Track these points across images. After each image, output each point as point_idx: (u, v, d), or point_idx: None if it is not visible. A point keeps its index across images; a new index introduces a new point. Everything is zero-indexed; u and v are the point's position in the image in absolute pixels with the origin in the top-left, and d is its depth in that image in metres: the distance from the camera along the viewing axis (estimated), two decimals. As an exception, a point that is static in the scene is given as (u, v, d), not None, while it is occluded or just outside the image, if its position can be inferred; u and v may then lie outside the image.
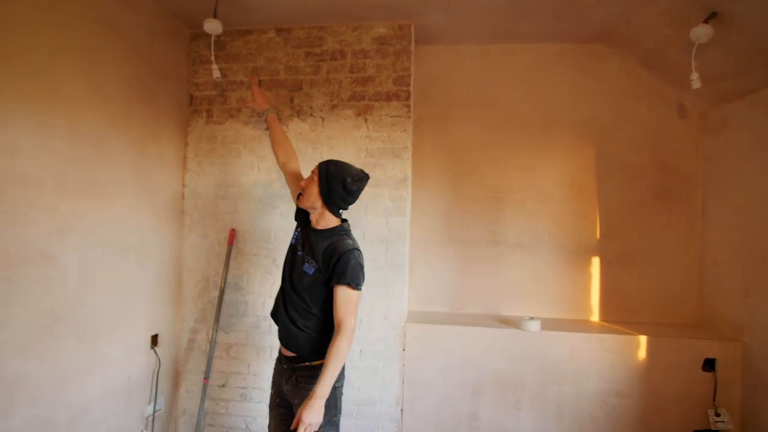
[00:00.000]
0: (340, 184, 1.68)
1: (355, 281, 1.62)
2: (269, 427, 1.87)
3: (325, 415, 1.57)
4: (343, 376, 1.76)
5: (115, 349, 2.14)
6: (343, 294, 1.61)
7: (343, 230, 1.76)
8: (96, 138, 1.99)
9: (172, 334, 2.59)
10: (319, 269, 1.68)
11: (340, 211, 1.77)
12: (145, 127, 2.30)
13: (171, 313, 2.57)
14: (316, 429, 1.51)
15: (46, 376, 1.76)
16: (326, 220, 1.75)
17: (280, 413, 1.80)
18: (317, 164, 1.76)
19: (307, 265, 1.71)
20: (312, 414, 1.47)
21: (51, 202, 1.77)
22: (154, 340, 2.41)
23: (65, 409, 1.85)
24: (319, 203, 1.72)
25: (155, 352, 2.41)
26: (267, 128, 2.12)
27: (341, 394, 1.76)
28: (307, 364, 1.70)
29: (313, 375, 1.61)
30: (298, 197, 1.82)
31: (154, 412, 2.40)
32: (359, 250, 1.70)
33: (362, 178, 1.74)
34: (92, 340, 2.00)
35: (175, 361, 2.63)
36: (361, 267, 1.66)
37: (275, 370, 1.86)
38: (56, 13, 1.78)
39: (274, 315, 1.85)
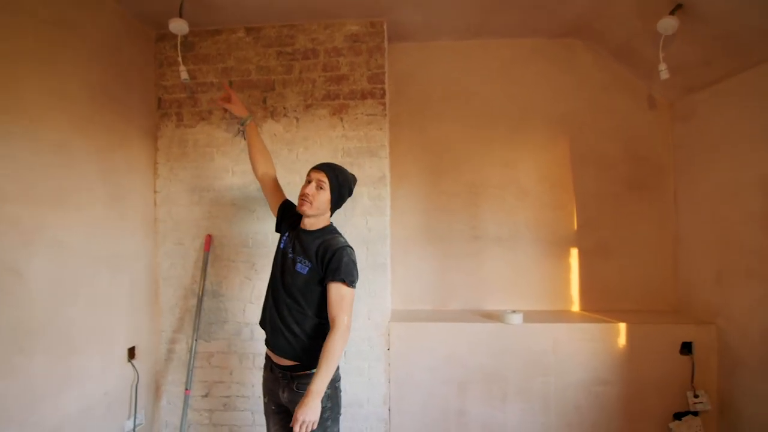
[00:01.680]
0: (347, 190, 1.79)
1: (348, 278, 1.62)
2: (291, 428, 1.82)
3: (331, 412, 1.64)
4: (340, 374, 1.76)
5: (90, 364, 2.06)
6: (336, 291, 1.61)
7: (333, 229, 1.79)
8: (60, 144, 1.91)
9: (150, 345, 2.51)
10: (313, 268, 1.67)
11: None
12: (111, 132, 2.22)
13: (148, 323, 2.49)
14: (314, 428, 1.49)
15: (16, 396, 1.68)
16: (320, 221, 1.76)
17: (279, 419, 1.79)
18: (317, 170, 1.73)
19: (300, 265, 1.69)
20: (309, 412, 1.46)
21: (13, 213, 1.69)
22: (131, 352, 2.33)
23: (39, 429, 1.77)
24: (326, 206, 1.75)
25: (132, 365, 2.33)
26: (238, 134, 2.06)
27: (341, 391, 1.76)
28: (307, 372, 1.67)
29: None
30: (286, 203, 1.87)
31: (135, 426, 2.33)
32: (351, 247, 1.70)
33: (355, 181, 1.88)
34: (65, 355, 1.92)
35: (155, 373, 2.55)
36: (354, 264, 1.67)
37: (266, 378, 1.82)
38: (12, 16, 1.69)
39: (263, 323, 1.81)
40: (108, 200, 2.19)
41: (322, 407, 1.56)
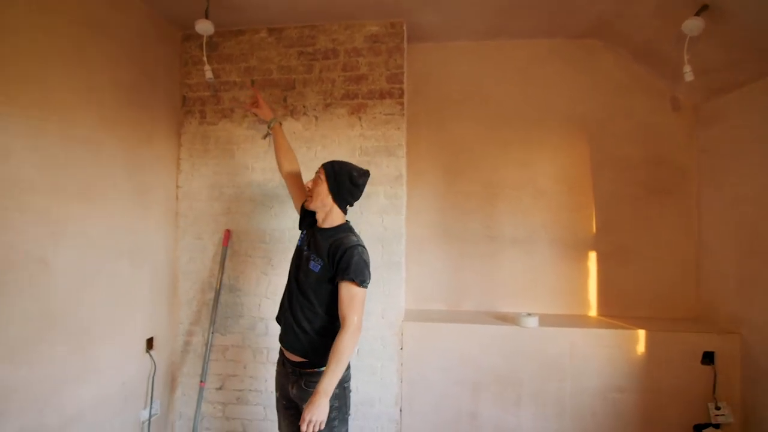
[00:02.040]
0: (347, 178, 1.73)
1: (359, 278, 1.61)
2: (279, 428, 1.87)
3: (338, 412, 1.63)
4: (350, 374, 1.77)
5: (109, 353, 2.12)
6: (347, 290, 1.61)
7: (348, 228, 1.78)
8: (88, 141, 1.98)
9: (168, 337, 2.56)
10: (325, 266, 1.68)
11: (348, 207, 1.81)
12: (137, 129, 2.29)
13: (166, 316, 2.55)
14: (322, 427, 1.50)
15: (38, 383, 1.73)
16: (333, 218, 1.77)
17: (289, 414, 1.80)
18: (320, 166, 1.79)
19: (312, 263, 1.71)
20: (316, 411, 1.47)
21: (43, 206, 1.76)
22: (149, 343, 2.39)
23: (58, 415, 1.82)
24: (329, 200, 1.75)
25: (150, 355, 2.38)
26: (266, 136, 2.11)
27: (350, 391, 1.76)
28: (315, 369, 1.68)
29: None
30: (306, 200, 1.85)
31: (150, 416, 2.38)
32: (364, 246, 1.70)
33: (365, 173, 1.80)
34: (85, 345, 1.97)
35: (171, 365, 2.60)
36: (366, 264, 1.66)
37: (278, 372, 1.85)
38: (47, 17, 1.77)
39: (279, 319, 1.84)
40: (132, 194, 2.26)
41: (330, 407, 1.56)
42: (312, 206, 1.78)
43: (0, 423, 1.58)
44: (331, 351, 1.55)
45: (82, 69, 1.94)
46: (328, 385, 1.51)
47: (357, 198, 1.81)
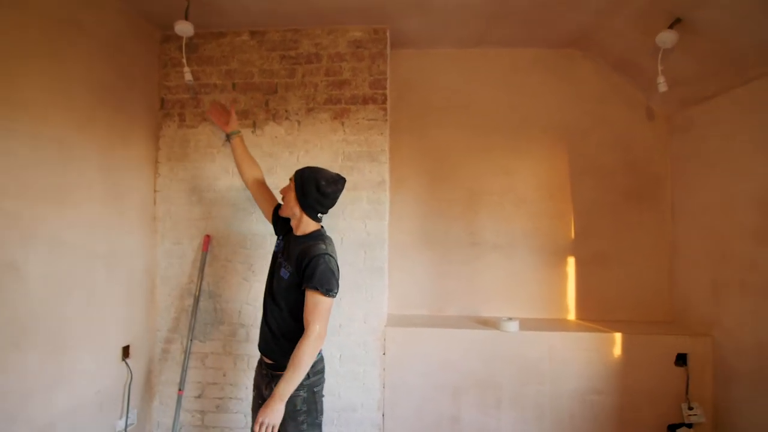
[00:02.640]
0: (314, 187, 1.70)
1: (325, 287, 1.61)
2: (252, 429, 1.81)
3: (307, 416, 1.67)
4: (323, 379, 1.79)
5: (84, 361, 2.05)
6: (311, 298, 1.61)
7: (319, 235, 1.76)
8: (60, 141, 1.91)
9: (145, 344, 2.50)
10: (293, 273, 1.69)
11: (320, 215, 1.78)
12: (112, 131, 2.22)
13: (143, 323, 2.48)
14: (275, 431, 1.53)
15: (8, 392, 1.67)
16: (305, 226, 1.77)
17: None
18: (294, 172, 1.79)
19: (283, 269, 1.75)
20: (270, 414, 1.51)
21: (13, 209, 1.69)
22: (126, 351, 2.32)
23: (29, 425, 1.76)
24: (297, 209, 1.75)
25: (126, 363, 2.32)
26: (225, 144, 2.11)
27: (321, 396, 1.77)
28: (282, 372, 1.66)
29: None
30: (279, 207, 1.85)
31: (126, 426, 2.31)
32: (331, 255, 1.69)
33: (337, 180, 1.76)
34: (58, 352, 1.91)
35: (148, 373, 2.54)
36: (332, 272, 1.65)
37: (256, 372, 1.87)
38: (19, 13, 1.71)
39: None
40: (107, 198, 2.20)
41: (297, 410, 1.62)
42: (284, 213, 1.80)
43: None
44: (291, 357, 1.58)
45: (54, 67, 1.88)
46: (284, 390, 1.54)
47: (327, 207, 1.77)
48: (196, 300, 2.45)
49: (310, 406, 1.70)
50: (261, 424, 1.50)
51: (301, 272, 1.65)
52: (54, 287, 1.89)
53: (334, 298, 1.66)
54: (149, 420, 2.55)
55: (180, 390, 2.41)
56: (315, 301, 1.61)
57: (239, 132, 2.11)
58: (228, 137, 2.11)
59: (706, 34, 2.06)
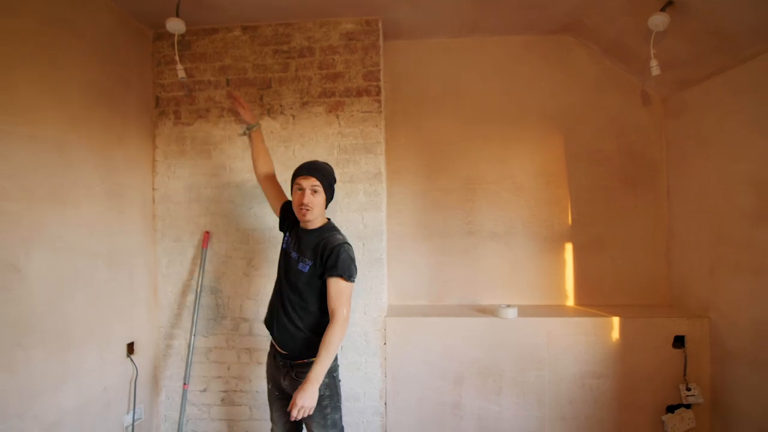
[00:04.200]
0: (334, 181, 1.87)
1: (347, 273, 1.70)
2: (272, 418, 1.95)
3: (330, 400, 1.77)
4: (338, 364, 1.88)
5: (89, 359, 2.09)
6: (335, 285, 1.70)
7: (332, 226, 1.87)
8: (58, 143, 1.93)
9: (149, 341, 2.54)
10: (314, 265, 1.76)
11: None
12: (109, 131, 2.24)
13: (146, 319, 2.52)
14: (311, 413, 1.61)
15: (15, 391, 1.70)
16: (318, 220, 1.85)
17: (282, 405, 1.88)
18: (306, 176, 1.78)
19: (301, 264, 1.79)
20: (306, 398, 1.57)
21: (14, 211, 1.71)
22: (130, 348, 2.36)
23: (38, 423, 1.79)
24: (323, 206, 1.85)
25: (132, 360, 2.36)
26: (244, 134, 2.12)
27: (339, 380, 1.87)
28: (306, 360, 1.75)
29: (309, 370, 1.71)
30: (288, 203, 1.95)
31: (134, 421, 2.36)
32: (349, 244, 1.79)
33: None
34: (64, 350, 1.94)
35: (154, 369, 2.58)
36: (352, 260, 1.75)
37: (269, 365, 1.93)
38: (12, 15, 1.72)
39: (269, 322, 1.90)
40: (106, 197, 2.22)
41: (321, 395, 1.67)
42: (312, 217, 1.80)
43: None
44: (322, 341, 1.65)
45: (50, 70, 1.89)
46: (318, 373, 1.61)
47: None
48: (198, 296, 2.48)
49: (332, 390, 1.80)
50: (300, 408, 1.56)
51: (323, 263, 1.73)
52: (57, 287, 1.91)
53: (353, 284, 1.74)
54: (156, 414, 2.59)
55: (185, 384, 2.45)
56: (339, 288, 1.70)
57: (259, 124, 2.13)
58: (248, 129, 2.11)
59: (698, 15, 2.05)
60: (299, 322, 1.77)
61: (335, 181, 1.89)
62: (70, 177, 2.00)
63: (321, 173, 1.80)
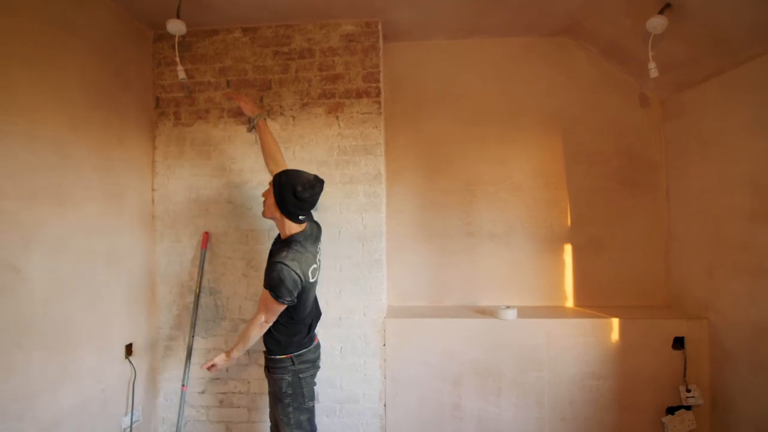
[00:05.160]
0: (290, 193, 1.76)
1: (274, 291, 1.74)
2: (270, 416, 2.10)
3: (292, 399, 1.90)
4: (314, 367, 2.01)
5: (88, 360, 2.08)
6: (264, 294, 1.81)
7: (291, 242, 1.83)
8: (58, 143, 1.93)
9: (147, 342, 2.53)
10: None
11: (300, 217, 1.84)
12: (108, 131, 2.24)
13: (145, 320, 2.51)
14: (212, 371, 1.97)
15: (14, 391, 1.70)
16: (287, 229, 1.86)
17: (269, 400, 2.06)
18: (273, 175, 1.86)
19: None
20: (220, 360, 1.94)
21: (12, 211, 1.71)
22: (129, 349, 2.35)
23: (36, 424, 1.79)
24: (277, 213, 1.83)
25: (130, 361, 2.35)
26: (251, 130, 2.13)
27: (309, 383, 1.97)
28: (272, 357, 1.93)
29: (275, 366, 1.91)
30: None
31: (132, 423, 2.35)
32: (286, 264, 1.74)
33: (314, 185, 1.81)
34: (62, 351, 1.93)
35: (152, 370, 2.57)
36: (282, 280, 1.72)
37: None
38: (12, 16, 1.72)
39: None
40: (105, 198, 2.22)
41: (283, 392, 1.90)
42: (266, 216, 1.90)
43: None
44: (242, 330, 1.92)
45: (50, 70, 1.90)
46: (233, 352, 1.92)
47: (307, 209, 1.83)
48: (197, 297, 2.48)
49: (296, 390, 1.91)
50: (211, 362, 1.93)
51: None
52: (56, 287, 1.91)
53: (285, 304, 1.78)
54: (155, 416, 2.58)
55: (184, 386, 2.44)
56: (265, 296, 1.80)
57: (262, 116, 2.11)
58: (253, 121, 2.12)
59: (696, 17, 2.06)
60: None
61: (291, 195, 1.76)
62: (70, 177, 1.99)
63: (278, 177, 1.81)
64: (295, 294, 1.77)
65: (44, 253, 1.85)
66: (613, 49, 2.64)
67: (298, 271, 1.75)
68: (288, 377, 1.89)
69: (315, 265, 1.88)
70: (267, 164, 2.08)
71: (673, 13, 2.06)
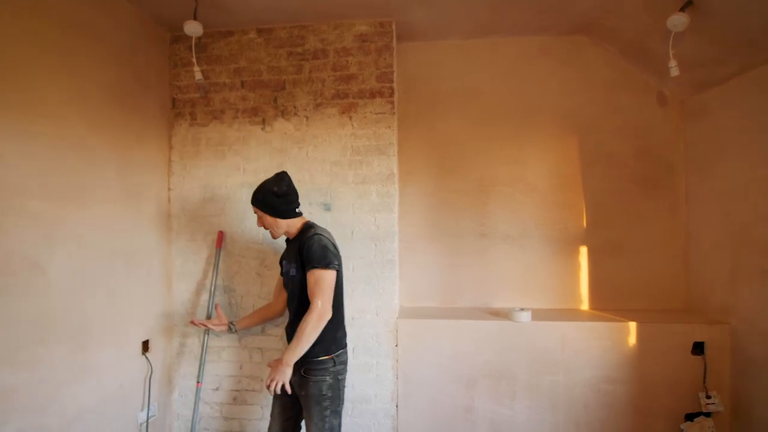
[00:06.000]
0: (273, 197, 1.91)
1: (323, 262, 1.78)
2: (272, 414, 2.02)
3: (331, 403, 1.85)
4: (346, 369, 1.98)
5: (106, 355, 2.12)
6: (311, 277, 1.80)
7: (308, 227, 1.95)
8: (79, 144, 1.97)
9: (163, 339, 2.57)
10: (298, 267, 1.86)
11: (297, 210, 1.98)
12: (128, 132, 2.28)
13: (161, 318, 2.55)
14: (282, 389, 1.77)
15: (37, 385, 1.74)
16: (292, 228, 1.98)
17: (284, 402, 1.97)
18: (251, 203, 1.99)
19: (292, 270, 1.92)
20: (278, 374, 1.76)
21: (36, 209, 1.76)
22: (145, 345, 2.39)
23: (58, 417, 1.83)
24: (279, 221, 1.95)
25: (147, 358, 2.39)
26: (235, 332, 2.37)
27: (344, 386, 1.95)
28: (315, 359, 1.85)
29: (317, 368, 1.85)
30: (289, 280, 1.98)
31: (148, 418, 2.39)
32: (320, 233, 1.86)
33: (281, 179, 1.95)
34: (82, 347, 1.98)
35: (168, 367, 2.61)
36: (324, 247, 1.82)
37: None
38: (36, 19, 1.77)
39: (286, 326, 2.06)
40: (124, 197, 2.26)
41: (323, 395, 1.84)
42: (275, 237, 2.01)
43: (2, 423, 1.59)
44: (297, 330, 1.78)
45: (71, 72, 1.94)
46: (289, 357, 1.76)
47: (295, 200, 1.97)
48: (212, 295, 2.51)
49: (335, 393, 1.87)
50: (274, 381, 1.75)
51: (303, 260, 1.84)
52: (77, 284, 1.95)
53: (336, 270, 1.81)
54: (170, 412, 2.62)
55: (198, 382, 2.48)
56: (315, 277, 1.78)
57: (233, 323, 2.29)
58: (231, 329, 2.29)
59: (719, 15, 2.01)
60: (295, 316, 1.90)
61: (273, 197, 1.90)
62: (90, 176, 2.04)
63: (255, 198, 1.94)
64: (340, 258, 1.87)
65: (66, 250, 1.89)
66: (632, 48, 2.59)
67: (332, 239, 1.89)
68: (329, 379, 1.84)
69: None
70: (273, 316, 2.30)
71: (695, 11, 2.01)
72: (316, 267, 1.78)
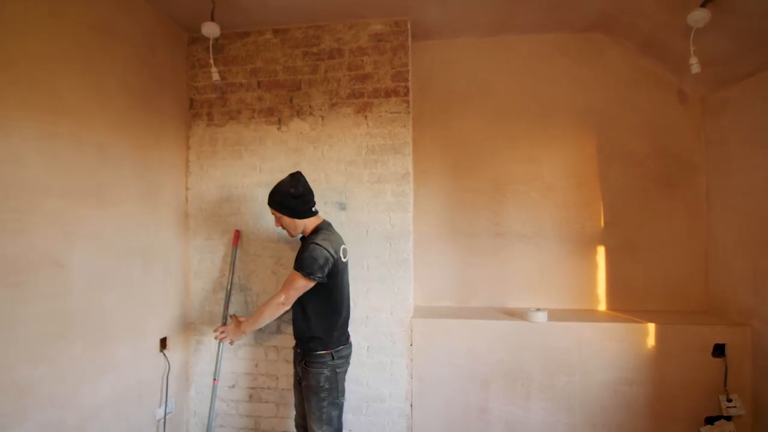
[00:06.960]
0: (290, 199, 1.98)
1: (305, 269, 1.88)
2: (294, 404, 2.20)
3: (328, 394, 1.96)
4: (347, 363, 2.09)
5: (125, 352, 2.16)
6: (291, 274, 1.93)
7: (319, 229, 2.03)
8: (99, 143, 2.01)
9: (181, 336, 2.60)
10: None
11: (314, 209, 2.05)
12: (146, 132, 2.32)
13: (179, 315, 2.59)
14: (225, 342, 2.15)
15: (57, 381, 1.78)
16: (309, 227, 2.05)
17: (299, 391, 2.11)
18: (268, 205, 2.06)
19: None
20: (228, 330, 2.12)
21: (57, 208, 1.79)
22: (163, 343, 2.43)
23: (77, 412, 1.87)
24: (297, 221, 2.02)
25: (164, 354, 2.42)
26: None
27: (342, 378, 2.04)
28: (313, 353, 1.99)
29: (315, 361, 1.97)
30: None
31: (165, 414, 2.42)
32: (318, 243, 1.91)
33: (297, 180, 2.01)
34: (101, 343, 2.01)
35: (185, 364, 2.64)
36: (314, 258, 1.88)
37: (293, 354, 2.18)
38: (56, 20, 1.80)
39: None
40: (143, 196, 2.29)
41: (320, 386, 1.95)
42: (293, 235, 2.09)
43: (21, 418, 1.62)
44: (259, 307, 2.03)
45: (91, 73, 1.97)
46: (246, 326, 2.06)
47: (311, 200, 2.03)
48: (228, 293, 2.53)
49: (332, 385, 1.98)
50: (223, 334, 2.10)
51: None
52: (96, 282, 1.98)
53: (315, 281, 1.89)
54: (187, 408, 2.65)
55: (215, 380, 2.50)
56: (291, 277, 1.92)
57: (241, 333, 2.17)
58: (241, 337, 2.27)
59: (741, 11, 1.97)
60: (302, 319, 2.00)
61: (291, 199, 1.96)
62: (109, 176, 2.07)
63: (272, 200, 2.02)
64: (326, 271, 1.90)
65: (85, 248, 1.92)
66: (650, 45, 2.55)
67: (330, 250, 1.92)
68: (327, 372, 1.96)
69: (344, 246, 2.06)
70: (277, 313, 2.10)
71: (716, 6, 1.97)
72: (297, 270, 1.90)
